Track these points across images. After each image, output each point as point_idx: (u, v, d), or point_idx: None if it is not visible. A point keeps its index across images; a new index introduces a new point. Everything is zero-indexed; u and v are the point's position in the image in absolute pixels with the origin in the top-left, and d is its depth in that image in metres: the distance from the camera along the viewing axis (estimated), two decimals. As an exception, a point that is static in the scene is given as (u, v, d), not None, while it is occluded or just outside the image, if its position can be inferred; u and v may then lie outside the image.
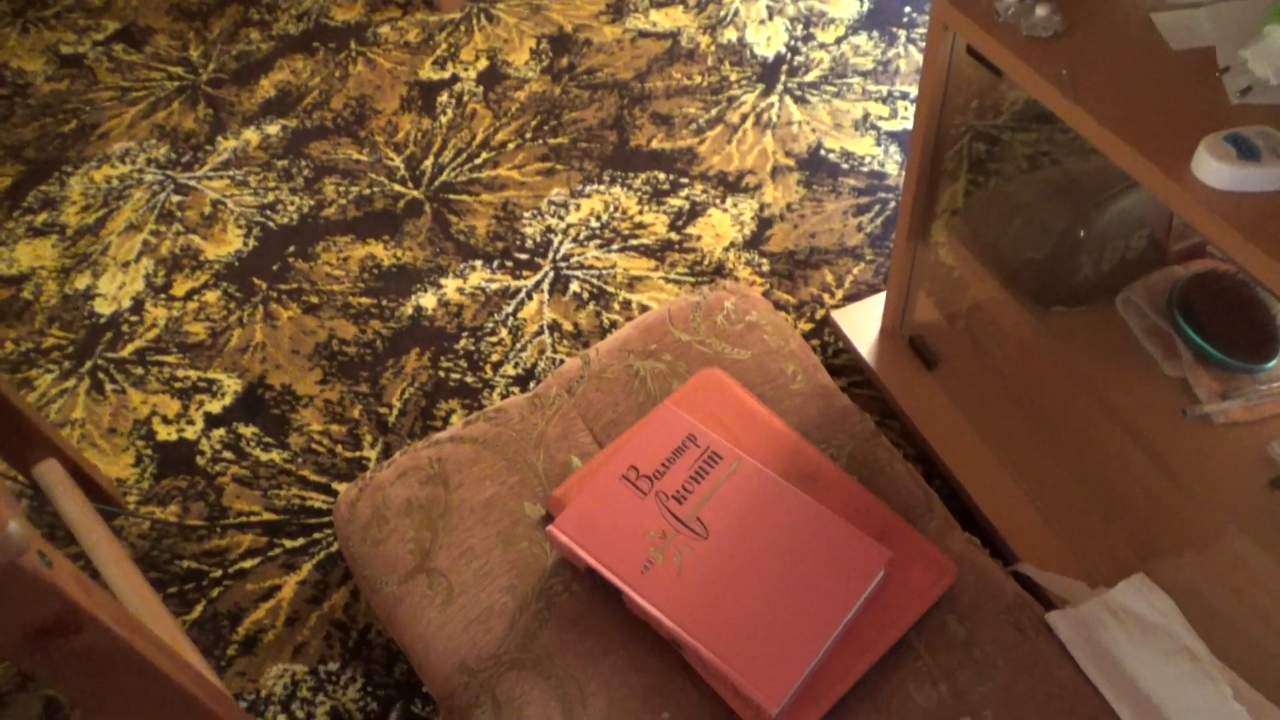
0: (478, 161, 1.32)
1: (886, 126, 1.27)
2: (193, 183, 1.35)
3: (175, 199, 1.33)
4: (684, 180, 1.24)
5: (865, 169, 1.22)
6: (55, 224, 1.32)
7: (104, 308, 1.20)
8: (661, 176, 1.25)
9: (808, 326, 1.05)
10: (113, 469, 1.04)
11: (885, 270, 1.10)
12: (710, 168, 1.25)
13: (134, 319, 1.18)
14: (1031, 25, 0.70)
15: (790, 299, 1.09)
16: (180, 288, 1.21)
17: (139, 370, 1.13)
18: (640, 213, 1.21)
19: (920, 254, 0.89)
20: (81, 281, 1.24)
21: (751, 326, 0.88)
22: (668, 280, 1.13)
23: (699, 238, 1.17)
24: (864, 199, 1.18)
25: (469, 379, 1.06)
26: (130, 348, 1.15)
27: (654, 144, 1.30)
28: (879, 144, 1.25)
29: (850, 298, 1.07)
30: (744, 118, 1.32)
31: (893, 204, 1.17)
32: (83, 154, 1.42)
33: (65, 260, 1.27)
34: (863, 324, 0.98)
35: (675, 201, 1.22)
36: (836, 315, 0.99)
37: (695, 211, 1.20)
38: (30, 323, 1.20)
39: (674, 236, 1.18)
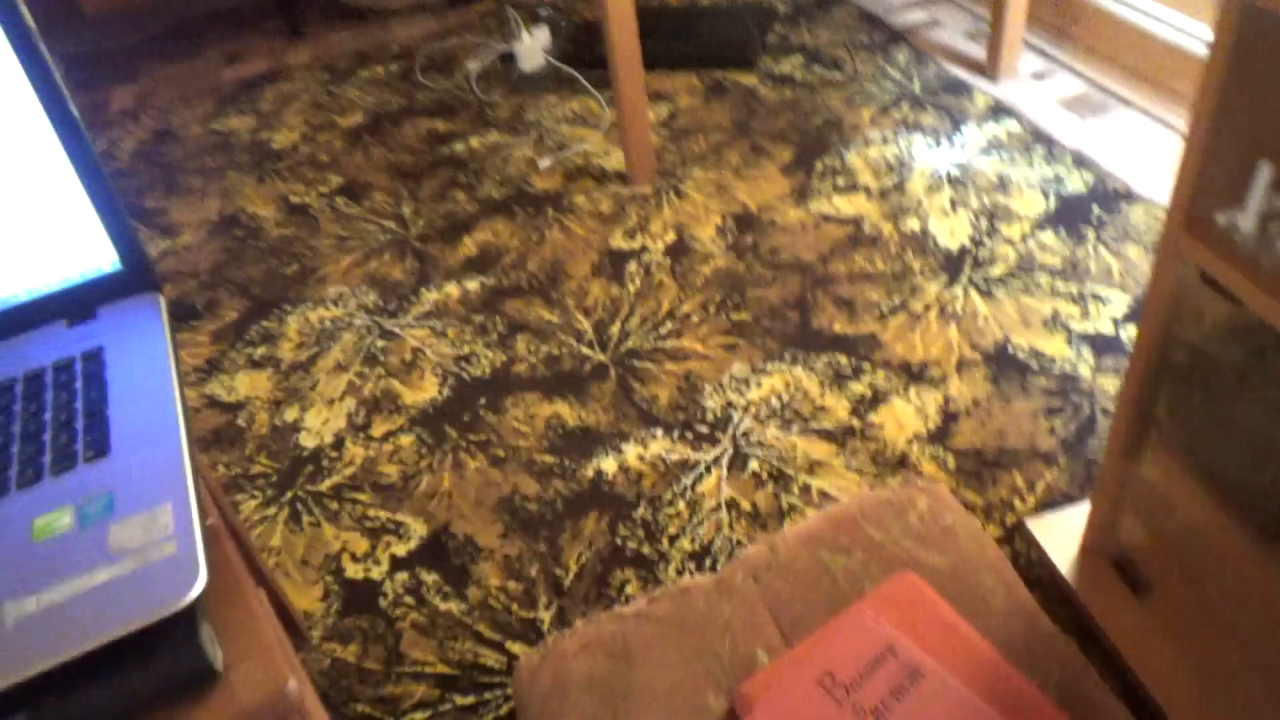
0: (662, 331, 1.37)
1: (1078, 327, 1.26)
2: (397, 330, 1.45)
3: (380, 344, 1.43)
4: (866, 366, 1.25)
5: (1056, 370, 1.20)
6: (272, 358, 1.44)
7: (308, 441, 1.29)
8: (843, 360, 1.27)
9: (997, 532, 1.02)
10: (302, 601, 1.09)
11: (1083, 480, 1.06)
12: (893, 355, 1.26)
13: (334, 455, 1.26)
14: (1275, 258, 0.69)
15: (978, 500, 1.07)
16: (378, 429, 1.29)
17: (334, 505, 1.19)
18: (821, 395, 1.22)
19: (1131, 472, 0.86)
20: (290, 414, 1.34)
21: (947, 531, 0.87)
22: (849, 468, 1.12)
23: (881, 426, 1.17)
24: (1056, 401, 1.16)
25: (645, 549, 1.08)
26: (328, 483, 1.23)
27: (836, 327, 1.32)
28: (1071, 345, 1.23)
29: (1044, 505, 1.04)
30: (927, 308, 1.33)
31: (1088, 410, 1.14)
32: (302, 295, 1.56)
33: (278, 393, 1.38)
34: (1060, 537, 0.95)
35: (857, 387, 1.23)
36: (1032, 525, 0.97)
37: (877, 399, 1.20)
38: (242, 449, 1.29)
39: (855, 423, 1.18)
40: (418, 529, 1.15)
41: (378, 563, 1.12)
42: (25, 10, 0.56)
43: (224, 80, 2.27)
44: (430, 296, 1.51)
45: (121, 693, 0.42)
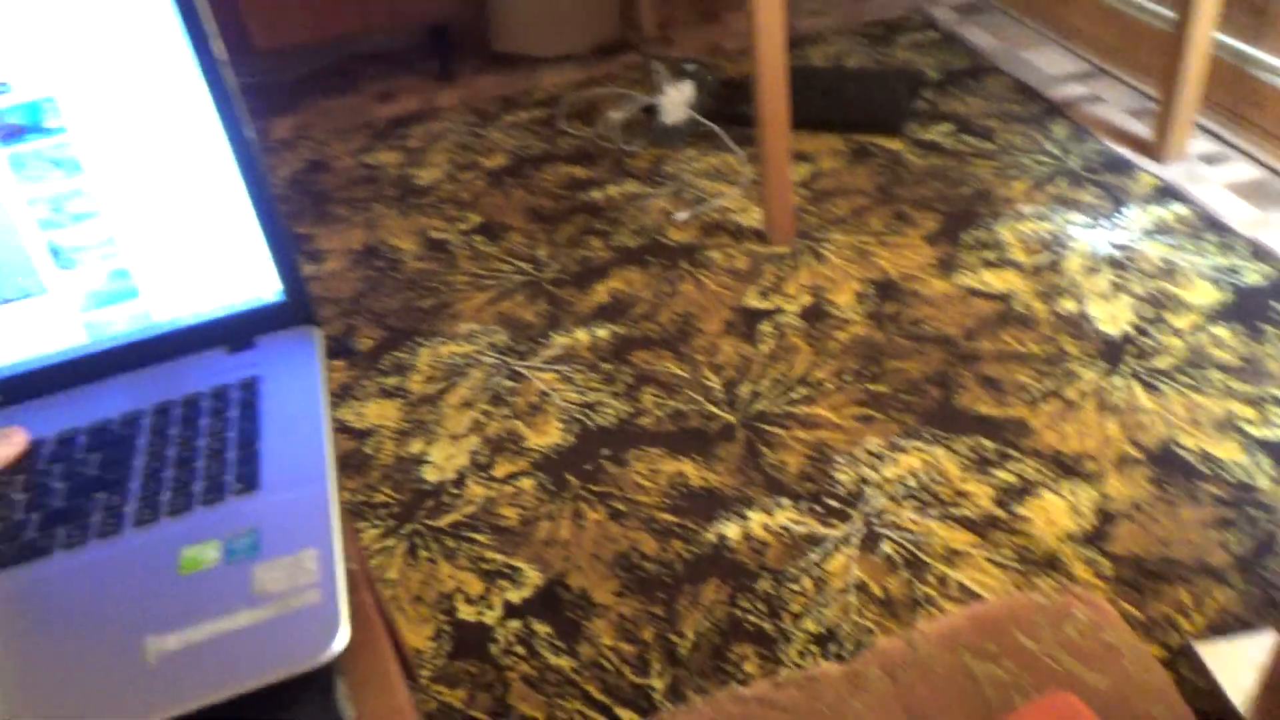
0: (794, 396, 1.33)
1: (1256, 433, 1.15)
2: (525, 371, 1.45)
3: (508, 384, 1.43)
4: (1013, 453, 1.18)
5: (1230, 478, 1.10)
6: (402, 388, 1.45)
7: (431, 475, 1.29)
8: (988, 444, 1.19)
9: (1158, 653, 0.93)
10: (413, 638, 1.08)
11: (1261, 604, 0.96)
12: (1043, 444, 1.18)
13: (455, 492, 1.26)
14: None
15: (1136, 613, 0.97)
16: (501, 470, 1.28)
17: (452, 543, 1.18)
18: (963, 480, 1.15)
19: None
20: (416, 446, 1.34)
21: (1108, 648, 0.79)
22: (991, 562, 1.05)
23: (1029, 520, 1.09)
24: (1229, 512, 1.06)
25: (766, 626, 1.02)
26: (448, 519, 1.22)
27: (980, 408, 1.25)
28: (1247, 452, 1.13)
29: (1213, 628, 0.94)
30: (1083, 396, 1.24)
31: (1266, 525, 1.04)
32: (435, 329, 1.58)
33: (405, 424, 1.39)
34: (1235, 667, 0.85)
35: (1003, 475, 1.15)
36: (1202, 650, 0.87)
37: (1025, 490, 1.13)
38: (367, 476, 1.30)
39: (1000, 514, 1.10)
40: (533, 577, 1.12)
41: (491, 607, 1.10)
42: (219, 42, 0.57)
43: (377, 116, 2.36)
44: (560, 340, 1.50)
45: (251, 746, 0.40)
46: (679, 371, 1.40)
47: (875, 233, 1.64)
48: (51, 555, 0.47)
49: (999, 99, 2.00)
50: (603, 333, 1.51)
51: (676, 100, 1.99)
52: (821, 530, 1.12)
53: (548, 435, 1.33)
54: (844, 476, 1.19)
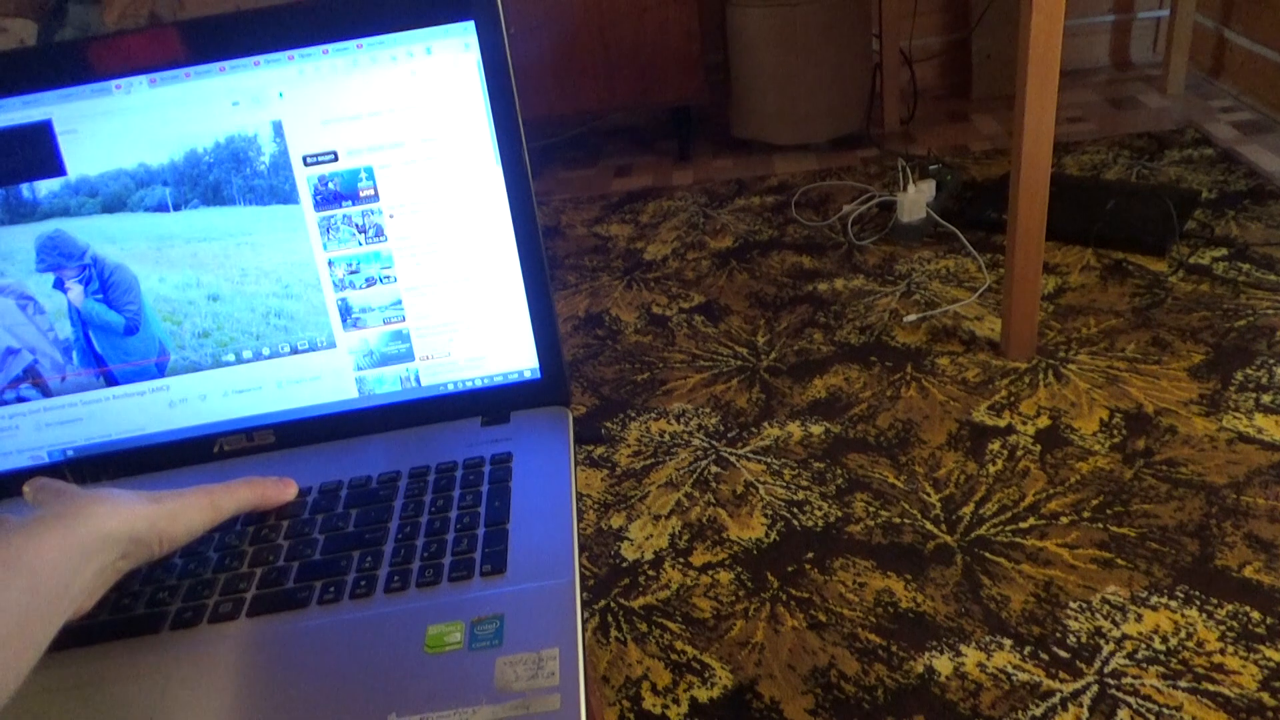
0: (1023, 525, 1.22)
1: None
2: (733, 459, 1.43)
3: (714, 469, 1.41)
4: (1286, 630, 1.03)
5: None
6: (609, 460, 1.46)
7: (629, 553, 1.28)
8: (1255, 615, 1.05)
9: None
10: (595, 721, 1.06)
11: None
12: (1326, 626, 1.02)
13: (651, 573, 1.24)
14: None
15: None
16: (699, 558, 1.25)
17: (644, 626, 1.16)
18: (1222, 652, 1.01)
19: None
20: (617, 521, 1.34)
21: None
22: (1254, 755, 0.91)
23: (1303, 714, 0.94)
24: None
25: (977, 781, 0.93)
26: (641, 601, 1.20)
27: (1247, 572, 1.11)
28: None
29: None
30: (1379, 576, 1.07)
31: None
32: (647, 404, 1.59)
33: (608, 496, 1.39)
34: None
35: (1273, 654, 1.00)
36: None
37: (1300, 677, 0.97)
38: (566, 545, 1.31)
39: (1266, 698, 0.96)
40: (723, 677, 1.08)
41: (677, 702, 1.06)
42: (518, 112, 0.59)
43: (613, 190, 2.45)
44: (771, 432, 1.47)
45: None
46: (895, 481, 1.33)
47: (1128, 358, 1.51)
48: (308, 609, 0.49)
49: (1282, 225, 1.81)
50: (817, 429, 1.46)
51: (916, 198, 1.94)
52: (1047, 682, 1.01)
53: (750, 529, 1.29)
54: (1076, 625, 1.07)
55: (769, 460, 1.41)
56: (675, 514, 1.34)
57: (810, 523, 1.28)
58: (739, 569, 1.23)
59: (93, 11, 2.12)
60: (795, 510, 1.31)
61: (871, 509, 1.29)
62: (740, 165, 2.48)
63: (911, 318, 1.70)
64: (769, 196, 2.27)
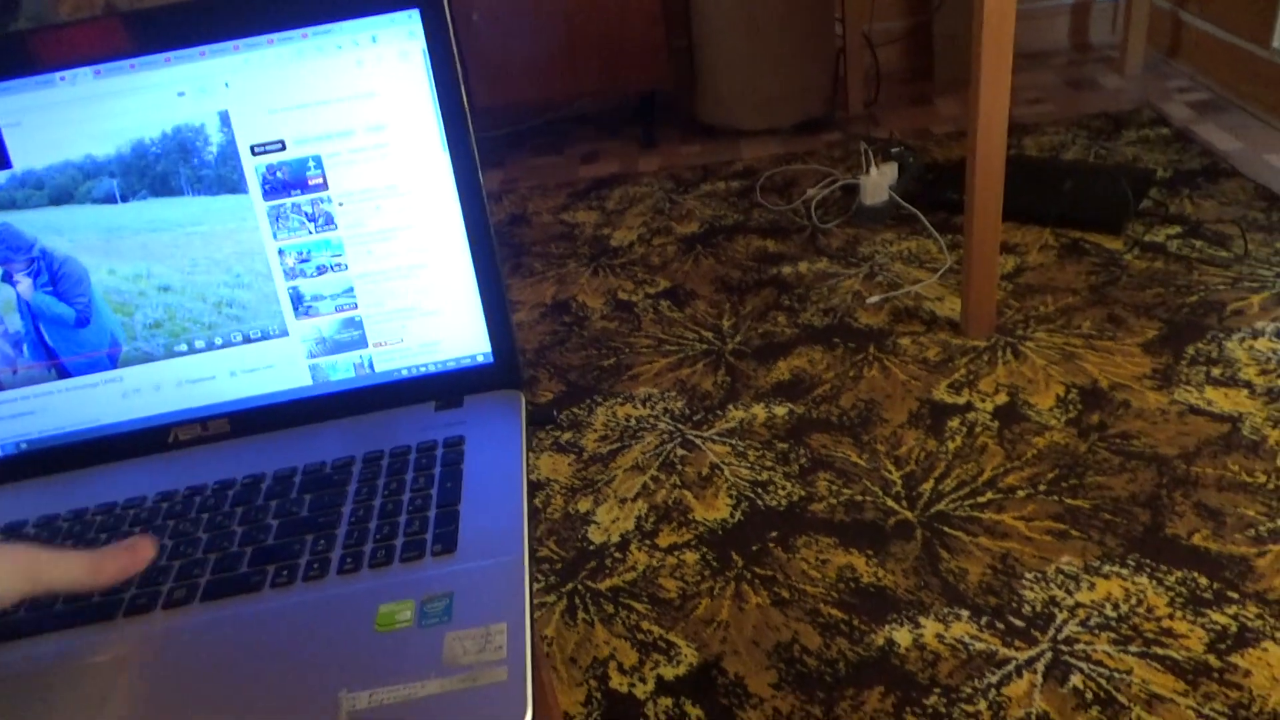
0: (980, 500, 1.25)
1: None
2: (698, 441, 1.44)
3: (680, 452, 1.42)
4: (1232, 595, 1.06)
5: None
6: (576, 445, 1.48)
7: (596, 536, 1.29)
8: (1203, 582, 1.08)
9: None
10: (564, 700, 1.07)
11: None
12: (1272, 589, 1.06)
13: (618, 556, 1.25)
14: None
15: (1380, 806, 0.84)
16: (665, 539, 1.27)
17: (610, 608, 1.18)
18: (1171, 617, 1.05)
19: None
20: (584, 505, 1.35)
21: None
22: (1199, 714, 0.94)
23: (1248, 673, 0.97)
24: None
25: (934, 748, 0.95)
26: (608, 583, 1.22)
27: (1196, 540, 1.14)
28: None
29: None
30: (1321, 541, 1.11)
31: None
32: (613, 389, 1.60)
33: (575, 481, 1.40)
34: None
35: (1219, 618, 1.04)
36: None
37: (1245, 639, 1.01)
38: (534, 529, 1.32)
39: (1213, 661, 0.99)
40: (689, 655, 1.10)
41: (644, 680, 1.08)
42: (465, 100, 0.60)
43: (579, 177, 2.45)
44: (736, 414, 1.49)
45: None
46: (857, 460, 1.36)
47: (1084, 335, 1.54)
48: (262, 592, 0.50)
49: (1237, 204, 1.85)
50: (781, 410, 1.48)
51: (879, 181, 1.96)
52: (1003, 650, 1.04)
53: (716, 510, 1.31)
54: (1032, 595, 1.10)
55: (734, 442, 1.43)
56: (641, 497, 1.35)
57: (774, 502, 1.30)
58: (704, 549, 1.24)
59: (46, 3, 2.09)
60: (759, 490, 1.33)
61: (834, 487, 1.31)
62: (706, 150, 2.49)
63: (874, 299, 1.72)
64: (734, 181, 2.28)
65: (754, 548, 1.23)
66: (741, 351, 1.64)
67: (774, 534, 1.25)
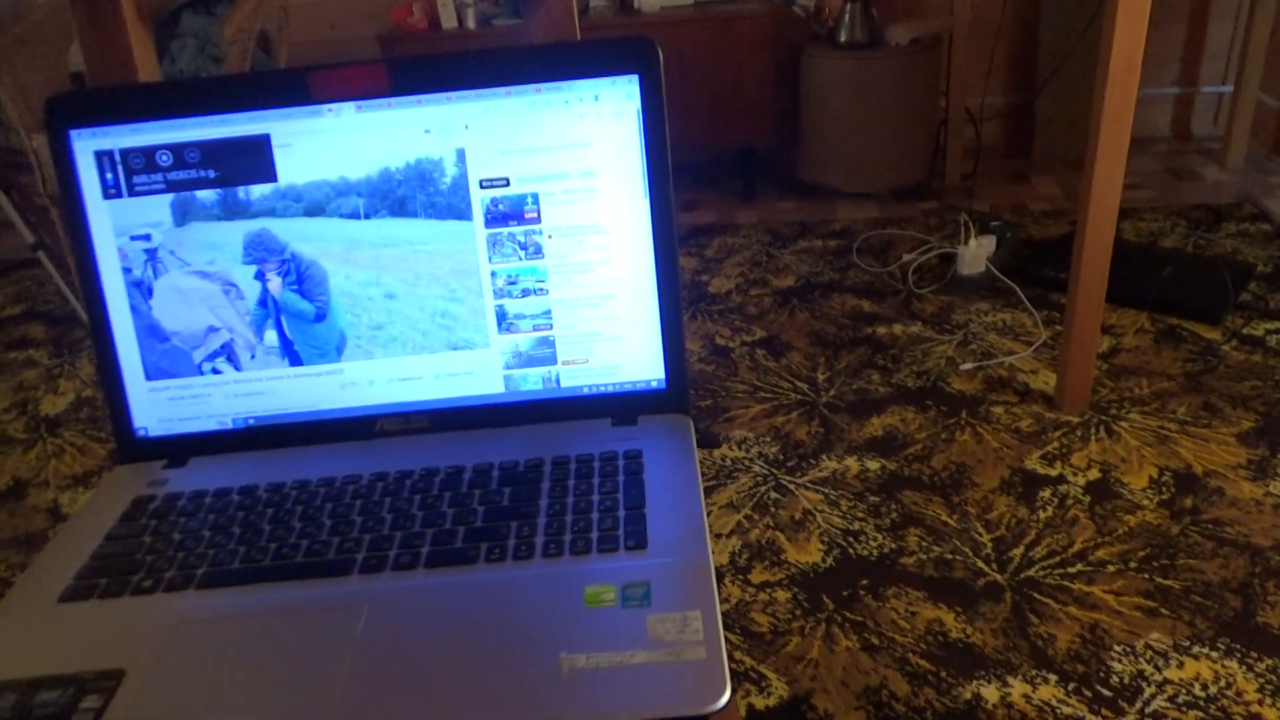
0: (1071, 570, 1.28)
1: None
2: (792, 487, 1.50)
3: (773, 495, 1.48)
4: (1323, 687, 1.07)
5: None
6: (673, 479, 1.54)
7: (690, 567, 1.35)
8: (1293, 671, 1.10)
9: None
10: None
11: None
12: (1362, 686, 1.07)
13: (711, 588, 1.31)
14: None
15: None
16: (757, 576, 1.32)
17: (703, 637, 1.23)
18: (1260, 704, 1.06)
19: None
20: (679, 537, 1.41)
21: None
22: (1287, 800, 0.96)
23: (1336, 765, 0.99)
24: None
25: (1019, 801, 0.98)
26: (701, 613, 1.27)
27: (1287, 630, 1.15)
28: None
29: None
30: None
31: None
32: (710, 429, 1.66)
33: (671, 513, 1.46)
34: None
35: (1309, 708, 1.05)
36: None
37: (1335, 731, 1.02)
38: (631, 555, 1.38)
39: (1301, 749, 1.01)
40: (779, 688, 1.15)
41: (735, 710, 1.13)
42: (669, 158, 0.68)
43: (680, 224, 2.54)
44: (829, 464, 1.54)
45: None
46: (948, 519, 1.40)
47: (1179, 420, 1.57)
48: (476, 565, 0.57)
49: (1336, 303, 1.86)
50: (873, 465, 1.53)
51: (976, 252, 2.01)
52: (1090, 717, 1.07)
53: (808, 553, 1.36)
54: (1120, 666, 1.13)
55: (827, 490, 1.48)
56: (735, 534, 1.41)
57: (865, 552, 1.35)
58: (796, 589, 1.29)
59: (209, 21, 2.26)
60: (851, 539, 1.37)
61: (924, 543, 1.35)
62: (803, 208, 2.57)
63: (968, 366, 1.77)
64: (831, 240, 2.35)
65: (845, 593, 1.28)
66: (835, 405, 1.70)
67: (865, 582, 1.29)
